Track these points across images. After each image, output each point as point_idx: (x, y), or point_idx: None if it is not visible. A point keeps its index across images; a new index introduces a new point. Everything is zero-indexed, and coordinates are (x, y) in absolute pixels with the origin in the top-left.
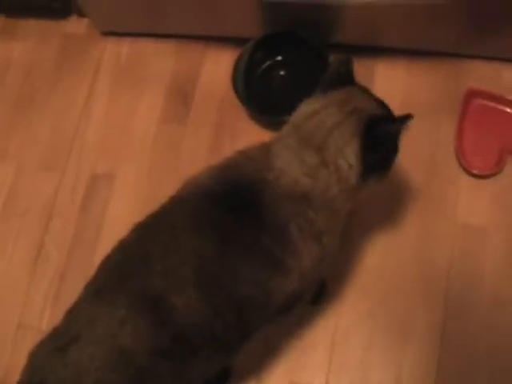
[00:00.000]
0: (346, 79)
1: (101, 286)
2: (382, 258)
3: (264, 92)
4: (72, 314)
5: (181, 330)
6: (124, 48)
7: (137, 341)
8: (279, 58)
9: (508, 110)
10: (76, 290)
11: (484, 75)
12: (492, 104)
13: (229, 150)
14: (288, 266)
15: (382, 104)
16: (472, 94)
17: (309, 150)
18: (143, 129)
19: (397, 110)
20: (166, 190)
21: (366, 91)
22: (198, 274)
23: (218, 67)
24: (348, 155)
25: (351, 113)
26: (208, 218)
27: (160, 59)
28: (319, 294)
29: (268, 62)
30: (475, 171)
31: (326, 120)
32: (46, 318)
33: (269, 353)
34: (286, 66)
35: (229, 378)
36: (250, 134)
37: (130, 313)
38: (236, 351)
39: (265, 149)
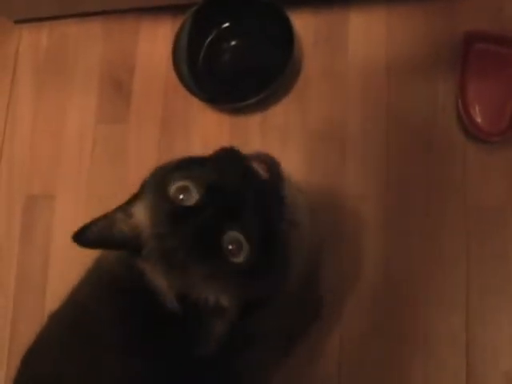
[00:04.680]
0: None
1: None
2: (386, 259)
3: (214, 70)
4: None
5: None
6: (43, 36)
7: None
8: (226, 24)
9: None
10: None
11: (482, 11)
12: (496, 47)
13: (182, 145)
14: None
15: None
16: (471, 38)
17: None
18: (78, 133)
19: (381, 70)
20: (114, 202)
21: None
22: None
23: (156, 45)
24: None
25: None
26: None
27: (87, 44)
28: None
29: (214, 32)
30: (485, 136)
31: None
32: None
33: None
34: (237, 34)
35: None
36: (206, 122)
37: None
38: None
39: None
